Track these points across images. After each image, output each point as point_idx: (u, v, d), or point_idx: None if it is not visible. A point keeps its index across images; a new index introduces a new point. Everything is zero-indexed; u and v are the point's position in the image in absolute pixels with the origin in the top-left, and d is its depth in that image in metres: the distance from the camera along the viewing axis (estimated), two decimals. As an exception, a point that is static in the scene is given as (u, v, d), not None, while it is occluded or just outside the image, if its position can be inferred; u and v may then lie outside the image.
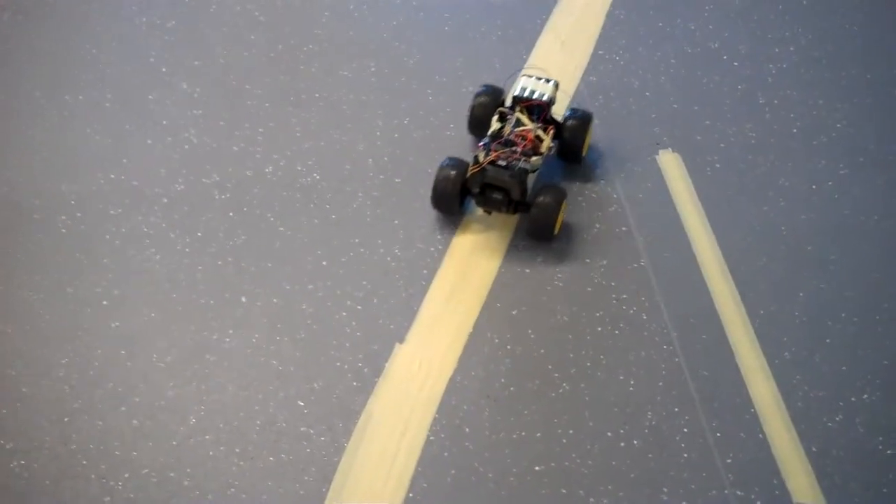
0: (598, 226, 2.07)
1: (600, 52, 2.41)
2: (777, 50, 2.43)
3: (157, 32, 2.41)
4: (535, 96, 2.09)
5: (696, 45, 2.44)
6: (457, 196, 2.00)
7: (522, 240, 2.04)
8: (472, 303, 1.93)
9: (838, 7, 2.53)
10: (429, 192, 2.05)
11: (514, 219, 2.07)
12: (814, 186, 2.14)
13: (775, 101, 2.31)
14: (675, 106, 2.30)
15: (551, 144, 2.08)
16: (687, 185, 2.13)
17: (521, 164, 1.98)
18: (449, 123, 2.20)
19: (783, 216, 2.09)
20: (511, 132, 2.03)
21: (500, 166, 1.98)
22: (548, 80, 2.11)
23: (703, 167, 2.17)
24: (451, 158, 2.05)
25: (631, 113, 2.28)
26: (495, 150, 1.99)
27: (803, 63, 2.40)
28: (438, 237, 2.04)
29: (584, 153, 2.15)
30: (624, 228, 2.06)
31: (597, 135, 2.21)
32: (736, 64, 2.39)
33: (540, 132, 2.05)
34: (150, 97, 2.27)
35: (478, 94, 2.16)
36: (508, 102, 2.12)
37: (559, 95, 2.16)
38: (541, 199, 1.99)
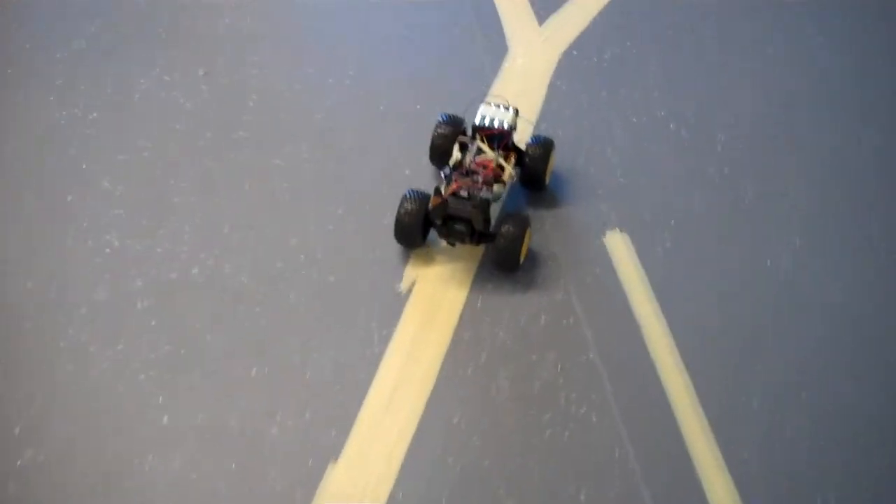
0: (544, 317, 1.98)
1: (543, 125, 2.34)
2: (727, 113, 2.36)
3: (78, 126, 2.31)
4: (495, 124, 2.06)
5: (642, 113, 2.36)
6: (419, 229, 1.99)
7: (466, 330, 1.94)
8: (411, 413, 1.83)
9: (792, 65, 2.46)
10: (367, 286, 2.00)
11: (450, 327, 1.97)
12: (769, 262, 2.06)
13: (725, 171, 2.24)
14: (622, 180, 2.22)
15: (513, 172, 2.06)
16: (636, 269, 2.05)
17: (483, 194, 1.96)
18: (385, 212, 2.10)
19: (738, 297, 2.01)
20: (472, 161, 2.02)
21: (461, 197, 1.96)
22: (507, 108, 2.09)
23: (653, 247, 2.09)
24: (412, 191, 2.01)
25: (576, 190, 2.20)
26: (457, 181, 1.97)
27: (757, 132, 2.33)
28: (375, 338, 1.94)
29: (547, 180, 2.15)
30: (572, 320, 1.96)
31: (542, 215, 2.13)
32: (683, 133, 2.32)
33: (501, 160, 2.03)
34: (69, 198, 2.16)
35: (438, 125, 2.15)
36: (470, 132, 2.10)
37: (522, 123, 2.14)
38: (505, 228, 1.97)
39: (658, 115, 2.36)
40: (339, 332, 1.95)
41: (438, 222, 1.98)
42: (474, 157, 2.03)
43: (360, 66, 2.45)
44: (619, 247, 2.09)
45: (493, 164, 2.01)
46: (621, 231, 2.12)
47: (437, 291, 2.01)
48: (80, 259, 2.06)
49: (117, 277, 2.03)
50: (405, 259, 2.07)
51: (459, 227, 1.98)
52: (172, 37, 2.52)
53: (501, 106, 2.10)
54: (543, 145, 2.13)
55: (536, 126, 2.32)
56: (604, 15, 2.59)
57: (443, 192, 1.97)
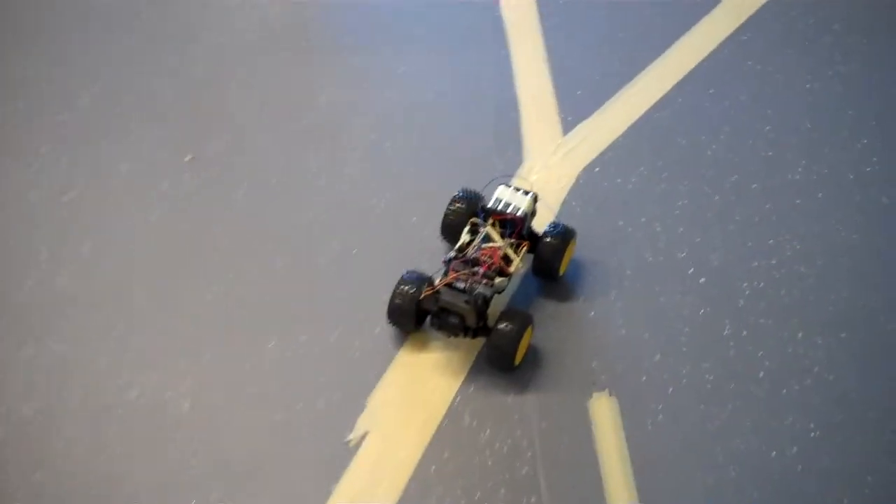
0: (503, 491, 1.76)
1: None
2: (756, 263, 2.10)
3: (50, 206, 2.19)
4: (509, 209, 1.92)
5: (659, 251, 2.12)
6: (412, 314, 1.87)
7: (434, 462, 1.74)
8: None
9: (835, 210, 2.19)
10: (324, 445, 1.82)
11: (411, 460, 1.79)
12: (774, 453, 1.81)
13: (744, 333, 1.98)
14: (623, 332, 1.99)
15: (521, 265, 1.91)
16: (619, 444, 1.82)
17: (481, 289, 1.81)
18: (371, 356, 1.92)
19: (733, 491, 1.75)
20: (478, 248, 1.87)
21: (457, 289, 1.81)
22: (526, 192, 1.94)
23: (644, 419, 1.85)
24: (411, 272, 1.89)
25: (567, 336, 1.97)
26: (455, 270, 1.83)
27: (785, 282, 2.07)
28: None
29: (562, 271, 2.00)
30: (533, 500, 1.74)
31: (518, 377, 1.91)
32: (702, 280, 2.07)
33: (509, 250, 1.89)
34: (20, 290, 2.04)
35: (454, 199, 2.00)
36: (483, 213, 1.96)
37: (541, 208, 2.01)
38: (502, 325, 1.81)
39: (678, 255, 2.12)
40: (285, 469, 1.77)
41: (433, 310, 1.85)
42: (481, 243, 1.88)
43: (360, 167, 2.27)
44: (603, 415, 1.86)
45: (499, 255, 1.87)
46: (610, 395, 1.89)
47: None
48: (20, 371, 1.92)
49: (51, 389, 1.88)
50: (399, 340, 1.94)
51: (453, 319, 1.84)
52: (172, 113, 2.38)
53: (521, 190, 1.95)
54: (561, 236, 1.97)
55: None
56: (638, 129, 2.36)
57: (437, 281, 1.85)
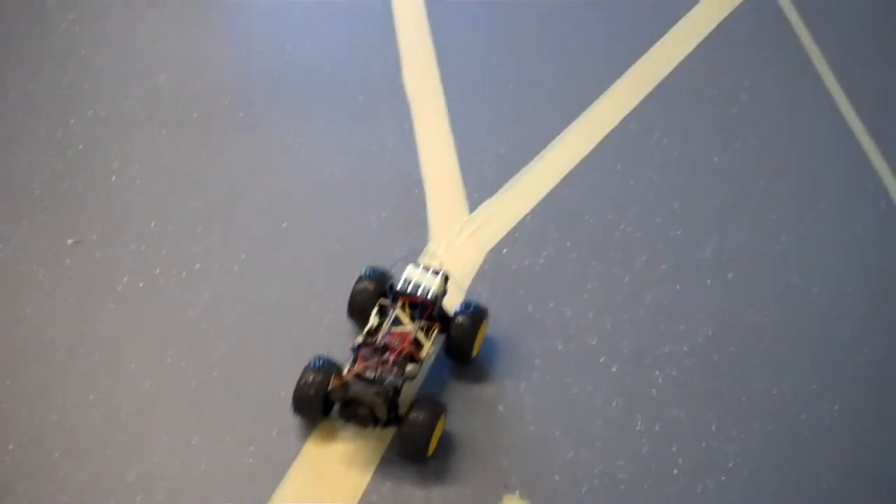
0: None
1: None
2: (668, 350, 2.04)
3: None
4: (419, 291, 1.86)
5: (569, 339, 2.05)
6: (319, 405, 1.78)
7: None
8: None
9: (746, 291, 2.15)
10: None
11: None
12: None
13: (657, 427, 1.92)
14: (533, 428, 1.91)
15: (432, 350, 1.85)
16: (530, 558, 1.72)
17: (391, 379, 1.75)
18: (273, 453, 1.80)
19: None
20: (387, 333, 1.79)
21: (367, 379, 1.74)
22: (436, 272, 1.88)
23: (556, 525, 1.76)
24: (319, 358, 1.81)
25: (479, 428, 1.89)
26: (364, 359, 1.76)
27: (698, 370, 2.01)
28: None
29: (474, 353, 1.93)
30: None
31: (430, 470, 1.81)
32: (614, 369, 2.00)
33: (420, 334, 1.83)
34: None
35: (360, 278, 1.92)
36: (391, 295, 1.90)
37: (452, 286, 1.93)
38: (414, 415, 1.74)
39: (589, 343, 2.05)
40: None
41: (340, 403, 1.77)
42: (391, 327, 1.81)
43: (250, 255, 2.15)
44: (515, 521, 1.77)
45: (409, 339, 1.80)
46: (521, 497, 1.80)
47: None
48: None
49: None
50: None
51: (362, 411, 1.76)
52: (51, 192, 2.23)
53: (431, 270, 1.88)
54: (472, 316, 1.90)
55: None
56: (546, 207, 2.29)
57: (345, 370, 1.77)
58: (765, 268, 2.20)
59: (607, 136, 2.44)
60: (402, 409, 1.79)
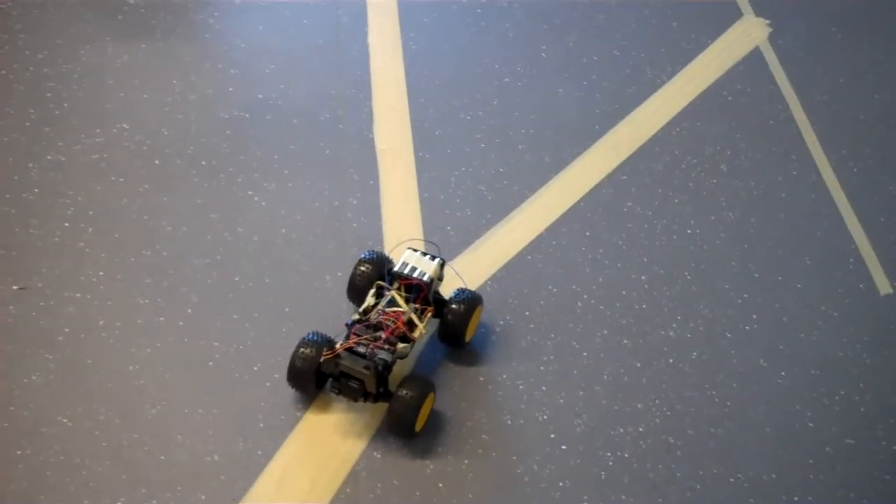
0: None
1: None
2: (621, 430, 2.01)
3: None
4: (415, 274, 1.96)
5: (519, 413, 2.02)
6: (312, 377, 1.90)
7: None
8: None
9: (709, 373, 2.11)
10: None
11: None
12: None
13: (602, 512, 1.87)
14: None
15: (424, 330, 1.95)
16: None
17: (382, 354, 1.84)
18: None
19: None
20: (381, 312, 1.91)
21: (358, 353, 1.84)
22: (433, 258, 1.99)
23: None
24: (314, 334, 1.92)
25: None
26: (356, 335, 1.87)
27: (651, 454, 1.97)
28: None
29: (467, 338, 2.04)
30: None
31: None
32: (564, 447, 1.97)
33: (413, 316, 1.93)
34: None
35: (361, 261, 2.05)
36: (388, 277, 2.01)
37: (450, 274, 2.08)
38: (402, 391, 1.85)
39: (539, 419, 2.03)
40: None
41: (334, 374, 1.88)
42: (385, 307, 1.92)
43: (196, 309, 2.13)
44: None
45: (403, 320, 1.91)
46: None
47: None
48: None
49: None
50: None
51: (353, 384, 1.86)
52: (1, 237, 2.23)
53: (428, 255, 2.00)
54: (467, 302, 2.01)
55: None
56: (508, 273, 2.28)
57: (338, 345, 1.88)
58: (731, 349, 2.16)
59: (579, 202, 2.42)
60: (392, 386, 1.88)
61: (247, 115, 2.53)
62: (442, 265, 2.02)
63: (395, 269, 1.99)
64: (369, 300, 1.96)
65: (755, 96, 2.69)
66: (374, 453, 1.91)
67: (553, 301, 2.22)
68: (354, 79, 2.63)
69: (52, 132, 2.43)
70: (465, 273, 2.22)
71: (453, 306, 2.00)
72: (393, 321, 1.90)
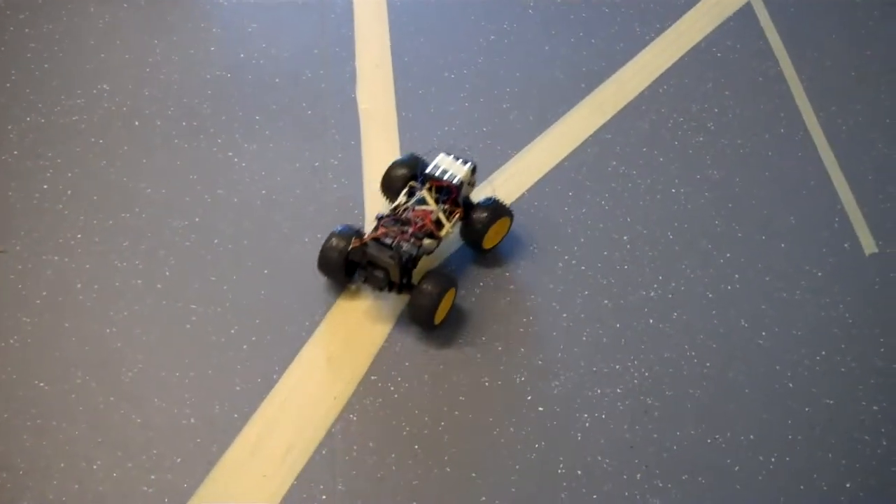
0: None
1: (373, 377, 2.00)
2: (599, 391, 2.01)
3: None
4: (446, 176, 2.06)
5: (497, 374, 2.01)
6: (341, 266, 2.01)
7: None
8: None
9: (689, 334, 2.10)
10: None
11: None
12: None
13: (578, 472, 1.88)
14: (449, 469, 1.87)
15: (451, 230, 2.06)
16: None
17: (407, 247, 1.95)
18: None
19: None
20: (411, 209, 2.02)
21: (384, 244, 1.96)
22: (465, 162, 2.09)
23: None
24: (345, 226, 2.03)
25: (384, 460, 1.86)
26: (383, 227, 1.98)
27: (628, 414, 1.98)
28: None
29: (487, 246, 2.13)
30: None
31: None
32: (541, 409, 1.96)
33: (441, 216, 2.00)
34: None
35: (395, 163, 2.14)
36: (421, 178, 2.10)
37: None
38: (424, 285, 1.95)
39: (516, 381, 2.02)
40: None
41: (362, 263, 1.99)
42: (415, 204, 2.04)
43: (175, 272, 2.13)
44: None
45: (431, 218, 2.02)
46: None
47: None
48: None
49: None
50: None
51: (378, 273, 1.98)
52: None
53: (461, 160, 2.10)
54: (492, 210, 2.11)
55: (365, 378, 1.98)
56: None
57: (366, 235, 1.99)
58: (712, 309, 2.15)
59: (562, 162, 2.39)
60: (416, 279, 1.99)
61: (228, 75, 2.51)
62: (473, 170, 2.10)
63: (428, 170, 2.07)
64: (401, 198, 2.06)
65: (745, 52, 2.65)
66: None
67: (534, 262, 2.20)
68: (338, 36, 2.61)
69: (33, 93, 2.42)
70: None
71: (478, 212, 2.08)
72: (421, 218, 1.99)
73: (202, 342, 2.02)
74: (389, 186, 2.13)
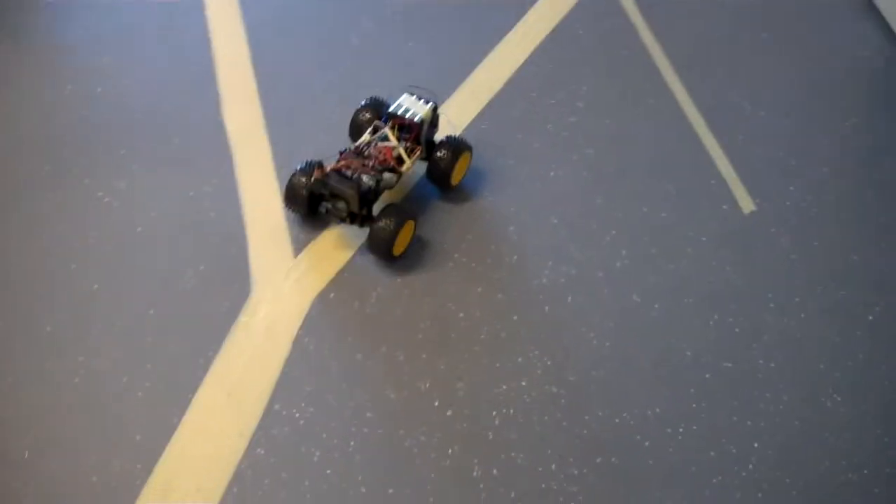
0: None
1: (276, 406, 1.95)
2: (504, 387, 2.01)
3: None
4: (408, 115, 2.14)
5: (402, 385, 2.00)
6: (305, 199, 2.10)
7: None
8: None
9: (584, 315, 2.11)
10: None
11: None
12: None
13: (494, 472, 1.88)
14: (364, 489, 1.84)
15: (411, 165, 2.13)
16: None
17: (367, 179, 2.02)
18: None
19: None
20: (374, 145, 2.09)
21: (345, 176, 2.03)
22: (426, 101, 2.17)
23: None
24: (310, 161, 2.12)
25: (297, 490, 1.83)
26: (345, 159, 2.05)
27: (537, 406, 1.97)
28: None
29: (454, 182, 2.23)
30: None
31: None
32: (449, 413, 1.95)
33: (402, 151, 2.10)
34: None
35: (361, 106, 2.23)
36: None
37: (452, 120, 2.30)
38: (382, 219, 2.04)
39: (421, 388, 2.00)
40: None
41: (326, 195, 2.04)
42: (377, 140, 2.11)
43: (56, 326, 2.05)
44: None
45: (392, 153, 2.09)
46: None
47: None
48: None
49: None
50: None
51: (340, 205, 2.05)
52: None
53: (423, 99, 2.18)
54: (453, 148, 2.19)
55: (268, 408, 1.94)
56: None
57: (327, 167, 2.05)
58: (604, 288, 2.16)
59: (439, 160, 2.37)
60: (376, 212, 2.08)
61: (87, 114, 2.42)
62: (434, 109, 2.17)
63: (391, 109, 2.15)
64: (365, 136, 2.13)
65: (606, 29, 2.68)
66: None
67: (425, 265, 2.18)
68: (197, 59, 2.54)
69: None
70: (330, 249, 2.17)
71: (440, 151, 2.17)
72: (382, 153, 2.06)
73: (93, 396, 1.95)
74: (357, 130, 2.21)
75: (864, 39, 2.67)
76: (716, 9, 2.72)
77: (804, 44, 2.65)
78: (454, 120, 2.36)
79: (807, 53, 2.63)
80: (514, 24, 2.67)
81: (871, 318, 2.13)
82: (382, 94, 2.32)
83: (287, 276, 2.15)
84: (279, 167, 2.33)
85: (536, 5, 2.71)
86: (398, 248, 2.09)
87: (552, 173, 2.36)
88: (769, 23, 2.71)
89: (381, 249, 2.07)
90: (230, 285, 2.13)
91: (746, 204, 2.31)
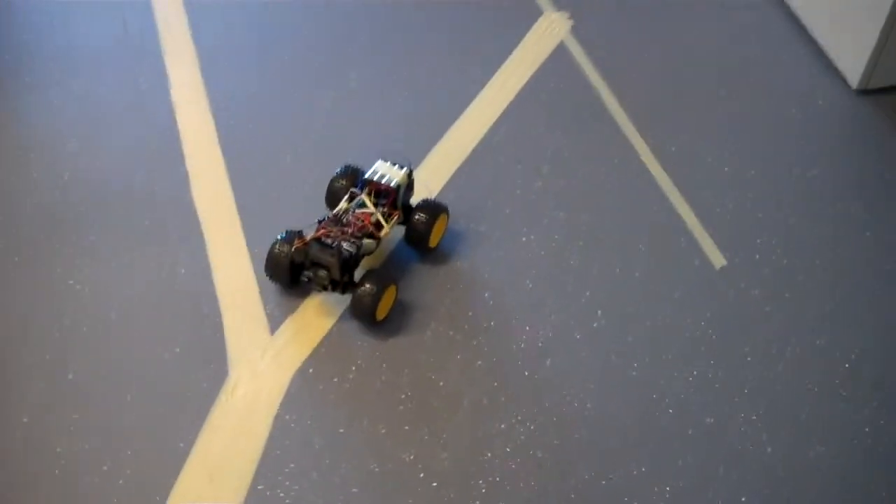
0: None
1: (259, 486, 1.93)
2: (489, 455, 2.00)
3: None
4: (384, 180, 2.18)
5: (385, 458, 1.98)
6: (287, 269, 2.13)
7: None
8: None
9: (565, 378, 2.12)
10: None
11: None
12: None
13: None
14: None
15: (390, 231, 2.17)
16: None
17: (347, 246, 2.07)
18: None
19: None
20: (352, 212, 2.14)
21: (325, 244, 2.07)
22: (401, 167, 2.21)
23: None
24: (289, 232, 2.15)
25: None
26: (324, 227, 2.10)
27: (522, 472, 1.96)
28: None
29: (432, 244, 2.27)
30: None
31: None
32: (434, 485, 1.94)
33: (380, 217, 2.15)
34: None
35: (336, 176, 2.27)
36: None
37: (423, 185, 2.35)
38: (364, 284, 2.07)
39: (405, 460, 1.98)
40: None
41: (307, 264, 2.09)
42: (355, 207, 2.12)
43: (32, 417, 2.01)
44: None
45: (370, 220, 2.10)
46: None
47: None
48: None
49: None
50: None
51: (321, 273, 2.03)
52: None
53: (397, 164, 2.20)
54: (430, 210, 2.21)
55: (251, 488, 1.91)
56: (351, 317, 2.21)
57: (308, 237, 2.09)
58: (583, 350, 2.17)
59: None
60: (357, 278, 2.11)
61: (56, 200, 2.41)
62: (409, 174, 2.20)
63: (367, 176, 2.19)
64: (342, 204, 2.17)
65: (567, 91, 2.72)
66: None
67: (400, 336, 2.18)
68: (163, 137, 2.55)
69: None
70: (307, 324, 2.17)
71: (417, 214, 2.21)
72: (360, 220, 2.11)
73: (73, 486, 1.91)
74: (334, 199, 2.23)
75: (820, 86, 2.73)
76: (672, 66, 2.78)
77: (761, 94, 2.71)
78: (430, 183, 2.38)
79: (765, 104, 2.68)
80: (480, 89, 2.70)
81: (847, 365, 2.15)
82: (356, 161, 2.34)
83: (264, 354, 2.14)
84: (251, 243, 2.33)
85: (498, 73, 2.75)
86: (381, 313, 2.10)
87: (524, 238, 2.37)
88: (725, 77, 2.76)
89: (364, 315, 2.08)
90: (207, 365, 2.11)
91: (717, 259, 2.34)
